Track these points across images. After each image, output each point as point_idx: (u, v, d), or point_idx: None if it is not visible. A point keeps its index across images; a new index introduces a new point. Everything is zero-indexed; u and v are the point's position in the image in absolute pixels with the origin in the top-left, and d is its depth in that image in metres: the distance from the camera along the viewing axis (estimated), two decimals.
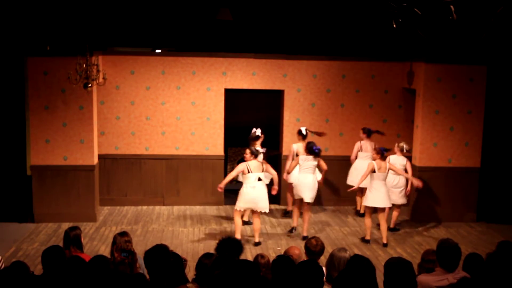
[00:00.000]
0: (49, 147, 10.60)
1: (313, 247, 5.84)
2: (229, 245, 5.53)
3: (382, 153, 9.58)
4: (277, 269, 4.85)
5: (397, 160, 10.33)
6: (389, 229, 10.26)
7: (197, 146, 11.79)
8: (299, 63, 11.84)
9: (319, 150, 9.87)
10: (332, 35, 11.83)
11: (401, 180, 10.35)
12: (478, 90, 11.15)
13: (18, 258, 8.30)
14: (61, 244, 6.17)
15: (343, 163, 11.52)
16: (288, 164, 10.53)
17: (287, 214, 11.29)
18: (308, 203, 9.94)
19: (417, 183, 10.02)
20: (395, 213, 10.53)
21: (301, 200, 9.97)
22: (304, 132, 10.60)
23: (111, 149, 11.68)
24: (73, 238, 6.33)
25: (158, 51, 12.69)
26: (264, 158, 10.23)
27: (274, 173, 9.63)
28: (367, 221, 9.79)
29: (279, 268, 4.82)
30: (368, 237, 9.85)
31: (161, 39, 12.48)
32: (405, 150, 10.44)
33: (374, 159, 9.70)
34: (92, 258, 5.09)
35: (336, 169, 11.60)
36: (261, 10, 11.76)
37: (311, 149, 9.82)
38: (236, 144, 14.26)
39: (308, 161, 9.88)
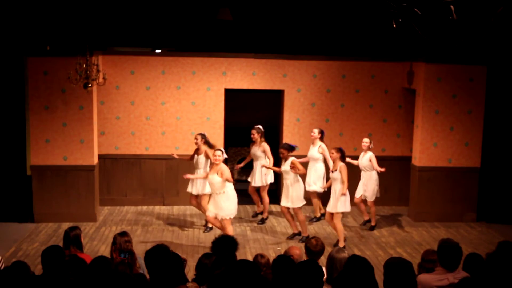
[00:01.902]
0: (49, 147, 10.60)
1: (313, 247, 5.84)
2: (224, 243, 5.54)
3: (343, 153, 9.52)
4: (277, 269, 4.85)
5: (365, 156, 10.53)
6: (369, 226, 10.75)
7: None
8: (299, 63, 11.84)
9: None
10: (332, 35, 11.83)
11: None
12: (478, 90, 11.15)
13: (18, 258, 8.30)
14: (61, 244, 6.17)
15: None
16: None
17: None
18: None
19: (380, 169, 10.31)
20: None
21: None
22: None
23: (111, 149, 11.68)
24: (73, 238, 6.33)
25: (158, 51, 12.68)
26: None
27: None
28: (341, 225, 9.67)
29: (280, 268, 4.82)
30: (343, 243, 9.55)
31: (161, 39, 12.47)
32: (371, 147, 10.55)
33: (334, 159, 9.52)
34: (93, 259, 5.09)
35: None
36: (261, 10, 11.75)
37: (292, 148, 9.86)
38: (236, 144, 14.26)
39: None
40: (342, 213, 9.57)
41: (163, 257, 4.87)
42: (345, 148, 11.86)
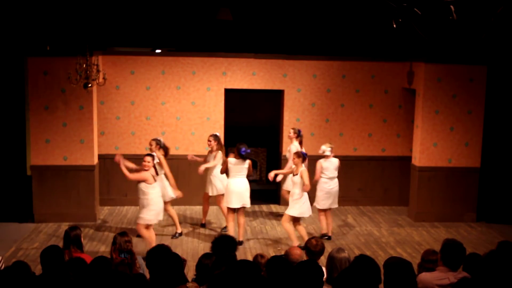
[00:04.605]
0: (49, 147, 10.60)
1: (313, 247, 5.84)
2: (224, 243, 5.55)
3: (304, 157, 9.33)
4: (271, 269, 4.83)
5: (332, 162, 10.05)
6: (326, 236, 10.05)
7: (197, 146, 11.78)
8: (299, 63, 11.85)
9: (248, 153, 9.56)
10: (332, 35, 11.83)
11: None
12: (478, 90, 11.16)
13: (18, 258, 8.31)
14: (61, 244, 6.17)
15: (343, 163, 11.48)
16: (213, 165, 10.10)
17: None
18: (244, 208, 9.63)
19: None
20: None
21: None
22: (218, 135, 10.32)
23: (111, 149, 11.67)
24: (73, 238, 6.33)
25: (158, 51, 12.69)
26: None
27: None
28: (291, 226, 9.39)
29: (273, 269, 4.80)
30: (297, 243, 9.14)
31: (161, 39, 12.47)
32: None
33: (296, 164, 9.25)
34: (93, 259, 5.09)
35: None
36: (261, 10, 11.75)
37: (240, 152, 9.47)
38: (235, 145, 14.24)
39: (239, 165, 9.50)
40: (294, 217, 9.26)
41: (163, 257, 4.87)
42: (345, 148, 11.93)
